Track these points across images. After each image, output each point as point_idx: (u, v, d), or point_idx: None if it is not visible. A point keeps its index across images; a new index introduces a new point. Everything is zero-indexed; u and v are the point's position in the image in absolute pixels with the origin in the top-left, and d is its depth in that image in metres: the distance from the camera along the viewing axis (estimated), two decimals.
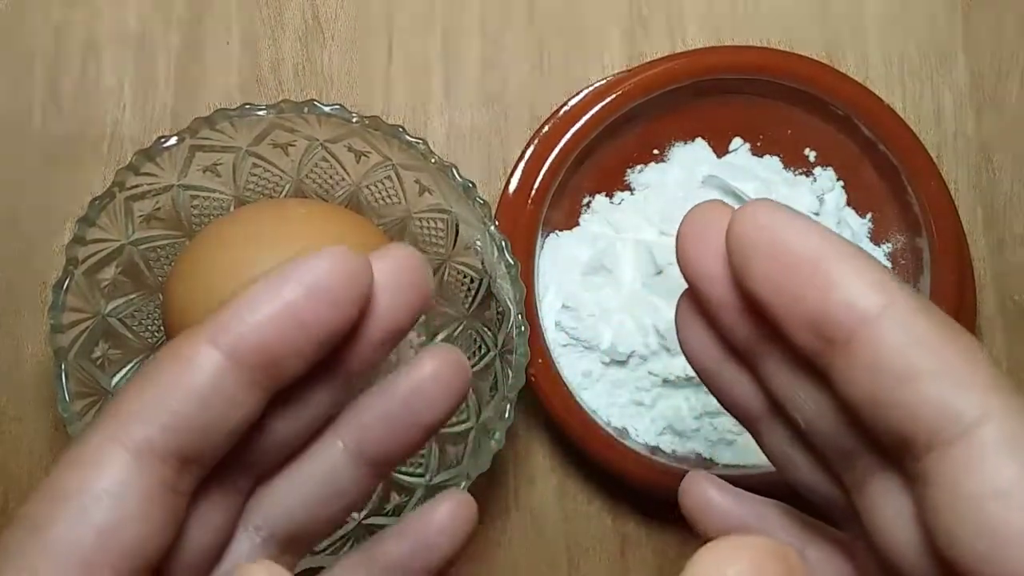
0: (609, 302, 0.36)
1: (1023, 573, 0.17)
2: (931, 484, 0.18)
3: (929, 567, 0.19)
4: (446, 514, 0.24)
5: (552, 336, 0.37)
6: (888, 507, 0.20)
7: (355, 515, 0.34)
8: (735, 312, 0.22)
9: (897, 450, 0.19)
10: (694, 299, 0.23)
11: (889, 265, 0.38)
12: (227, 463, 0.21)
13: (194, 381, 0.19)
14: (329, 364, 0.22)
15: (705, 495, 0.25)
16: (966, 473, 0.17)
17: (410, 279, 0.22)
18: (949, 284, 0.36)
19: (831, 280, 0.19)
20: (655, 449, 0.36)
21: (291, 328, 0.20)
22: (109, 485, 0.19)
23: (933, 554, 0.19)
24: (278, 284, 0.20)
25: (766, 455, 0.24)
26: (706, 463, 0.36)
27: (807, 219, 0.20)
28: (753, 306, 0.21)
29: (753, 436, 0.24)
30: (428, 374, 0.23)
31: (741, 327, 0.22)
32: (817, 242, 0.19)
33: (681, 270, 0.22)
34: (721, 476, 0.35)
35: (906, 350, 0.18)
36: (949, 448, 0.18)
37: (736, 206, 0.37)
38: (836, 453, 0.21)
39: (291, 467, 0.23)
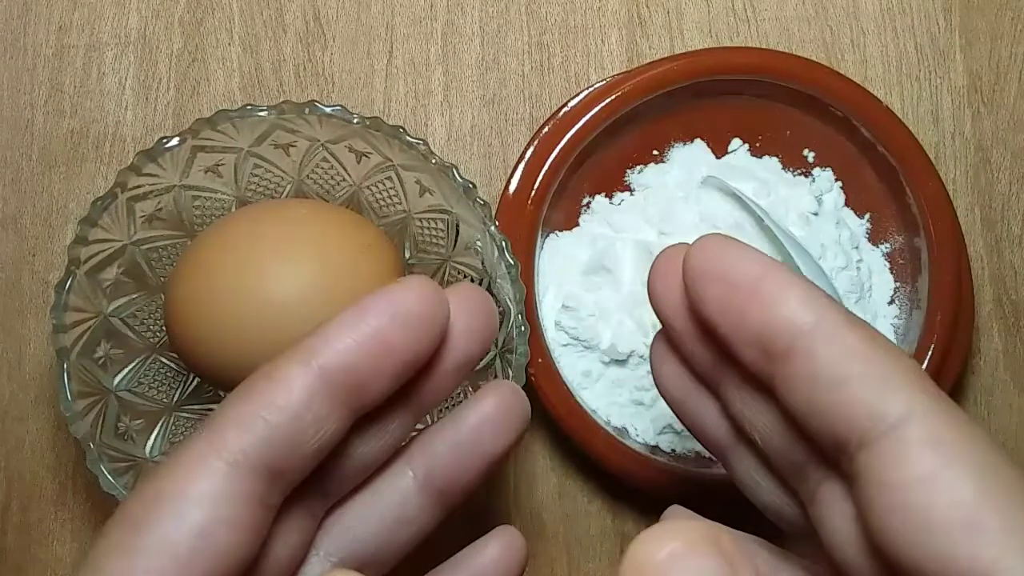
0: (609, 302, 0.37)
1: (949, 553, 0.18)
2: (863, 479, 0.19)
3: (872, 567, 0.20)
4: (498, 547, 0.26)
5: (552, 336, 0.37)
6: (835, 513, 0.21)
7: None
8: (696, 340, 0.23)
9: (836, 453, 0.20)
10: (665, 336, 0.25)
11: (888, 265, 0.38)
12: (306, 485, 0.22)
13: (287, 398, 0.21)
14: (407, 392, 0.23)
15: None
16: (892, 465, 0.19)
17: (479, 312, 0.24)
18: (947, 284, 0.36)
19: (770, 299, 0.21)
20: (655, 448, 0.36)
21: (378, 352, 0.21)
22: (206, 490, 0.20)
23: (871, 550, 0.20)
24: (366, 311, 0.22)
25: (737, 485, 0.25)
26: (705, 462, 0.36)
27: (751, 248, 0.22)
28: (709, 331, 0.22)
29: (725, 467, 0.25)
30: (491, 406, 0.25)
31: (702, 353, 0.24)
32: (758, 267, 0.21)
33: (653, 309, 0.24)
34: (721, 474, 0.35)
35: (836, 358, 0.20)
36: (877, 444, 0.19)
37: (736, 207, 0.37)
38: (790, 468, 0.23)
39: (362, 495, 0.24)
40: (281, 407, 0.21)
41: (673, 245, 0.24)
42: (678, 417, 0.26)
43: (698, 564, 0.17)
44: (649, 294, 0.24)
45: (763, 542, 0.25)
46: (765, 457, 0.24)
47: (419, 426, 0.26)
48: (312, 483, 0.23)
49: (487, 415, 0.25)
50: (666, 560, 0.17)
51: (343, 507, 0.24)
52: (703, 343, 0.23)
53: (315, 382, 0.21)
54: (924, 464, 0.19)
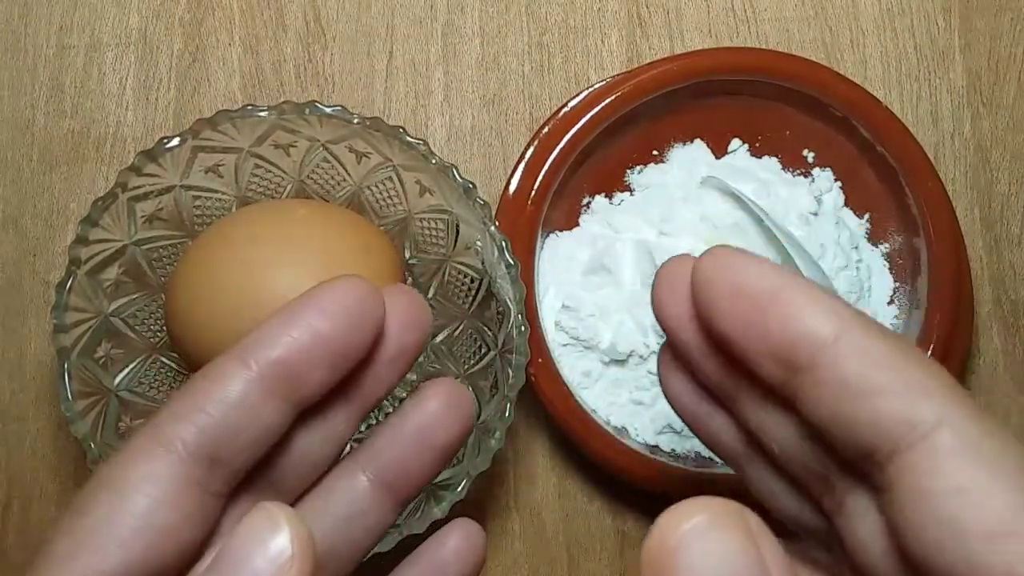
0: (609, 302, 0.37)
1: (985, 562, 0.18)
2: (895, 489, 0.19)
3: None
4: (457, 538, 0.26)
5: (552, 336, 0.37)
6: (863, 523, 0.21)
7: None
8: (705, 353, 0.23)
9: (865, 464, 0.20)
10: (672, 348, 0.24)
11: (887, 265, 0.38)
12: (258, 477, 0.23)
13: (224, 390, 0.22)
14: (347, 385, 0.24)
15: None
16: (925, 474, 0.19)
17: (413, 306, 0.24)
18: (946, 284, 0.36)
19: (790, 312, 0.20)
20: (654, 448, 0.36)
21: (311, 346, 0.22)
22: (146, 475, 0.21)
23: (903, 561, 0.20)
24: (300, 306, 0.22)
25: (753, 493, 0.25)
26: (705, 462, 0.36)
27: (763, 259, 0.21)
28: (721, 345, 0.22)
29: (740, 474, 0.25)
30: (435, 402, 0.25)
31: (711, 366, 0.23)
32: (774, 278, 0.21)
33: (657, 320, 0.24)
34: (720, 474, 0.35)
35: (864, 369, 0.20)
36: (909, 453, 0.19)
37: (736, 207, 0.37)
38: (813, 479, 0.22)
39: (314, 493, 0.25)
40: (218, 400, 0.21)
41: (677, 256, 0.24)
42: (691, 429, 0.26)
43: (722, 538, 0.17)
44: (653, 306, 0.24)
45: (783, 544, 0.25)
46: (783, 467, 0.23)
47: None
48: (261, 476, 0.23)
49: (431, 411, 0.25)
50: (690, 532, 0.17)
51: (297, 506, 0.25)
52: (712, 356, 0.23)
53: (250, 375, 0.22)
54: (959, 473, 0.18)
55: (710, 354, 0.23)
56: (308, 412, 0.23)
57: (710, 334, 0.22)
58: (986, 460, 0.18)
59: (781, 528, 0.24)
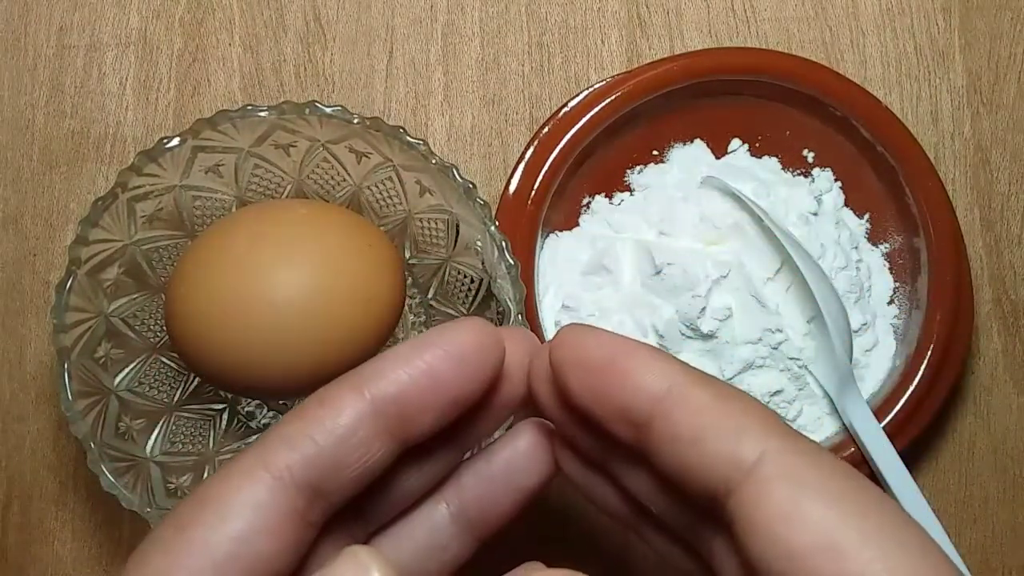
0: (609, 302, 0.37)
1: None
2: (735, 524, 0.20)
3: None
4: (529, 440, 0.26)
5: (552, 336, 0.37)
6: (728, 566, 0.22)
7: None
8: (575, 428, 0.24)
9: (714, 508, 0.21)
10: (556, 426, 0.25)
11: (887, 265, 0.38)
12: (351, 510, 0.23)
13: (335, 421, 0.22)
14: (457, 429, 0.24)
15: None
16: (754, 505, 0.20)
17: (530, 354, 0.24)
18: (947, 284, 0.36)
19: (624, 374, 0.22)
20: None
21: (428, 387, 0.22)
22: (249, 500, 0.21)
23: None
24: (422, 346, 0.22)
25: (654, 556, 0.26)
26: None
27: (604, 331, 0.23)
28: (582, 416, 0.23)
29: (644, 542, 0.26)
30: (525, 442, 0.25)
31: (584, 439, 0.24)
32: (611, 347, 0.22)
33: (533, 403, 0.25)
34: None
35: (690, 417, 0.21)
36: (739, 490, 0.20)
37: (736, 207, 0.37)
38: (687, 531, 0.23)
39: (397, 523, 0.25)
40: (329, 429, 0.21)
41: (541, 346, 0.25)
42: (588, 500, 0.26)
43: None
44: (530, 394, 0.25)
45: None
46: (667, 526, 0.24)
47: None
48: (356, 509, 0.23)
49: (520, 450, 0.25)
50: None
51: (379, 536, 0.25)
52: (582, 429, 0.24)
53: (364, 408, 0.22)
54: (782, 498, 0.20)
55: (579, 428, 0.24)
56: (412, 450, 0.23)
57: (571, 408, 0.23)
58: (805, 483, 0.20)
59: None
